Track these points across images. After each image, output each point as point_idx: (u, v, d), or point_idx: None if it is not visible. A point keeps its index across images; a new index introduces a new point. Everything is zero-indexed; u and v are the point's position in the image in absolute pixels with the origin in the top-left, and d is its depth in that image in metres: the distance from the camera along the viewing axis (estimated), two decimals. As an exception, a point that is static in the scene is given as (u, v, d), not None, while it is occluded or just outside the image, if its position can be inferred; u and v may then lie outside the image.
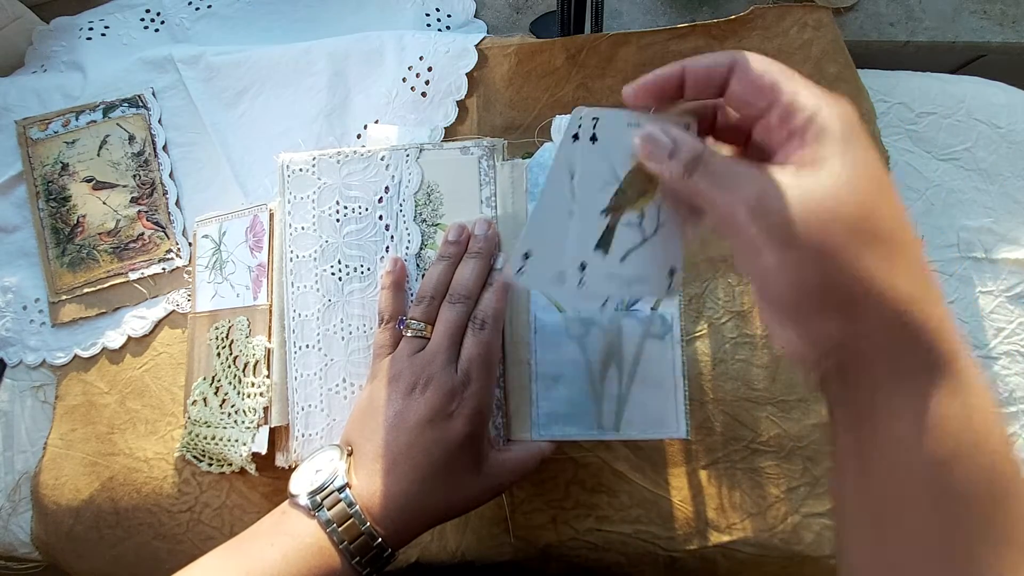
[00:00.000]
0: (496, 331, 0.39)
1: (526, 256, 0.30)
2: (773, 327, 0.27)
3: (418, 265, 0.44)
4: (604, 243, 0.30)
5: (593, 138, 0.29)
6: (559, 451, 0.47)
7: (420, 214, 0.44)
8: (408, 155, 0.44)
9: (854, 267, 0.23)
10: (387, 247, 0.44)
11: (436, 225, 0.44)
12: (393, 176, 0.44)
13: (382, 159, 0.45)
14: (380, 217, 0.44)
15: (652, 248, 0.30)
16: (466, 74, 0.53)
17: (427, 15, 0.61)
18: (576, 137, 0.29)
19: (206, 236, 0.51)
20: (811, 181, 0.24)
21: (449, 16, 0.61)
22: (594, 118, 0.29)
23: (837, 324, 0.24)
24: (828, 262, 0.24)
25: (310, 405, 0.44)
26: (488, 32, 0.60)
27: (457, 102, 0.53)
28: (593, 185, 0.30)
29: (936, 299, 0.24)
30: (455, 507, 0.38)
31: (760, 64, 0.27)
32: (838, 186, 0.24)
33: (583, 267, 0.30)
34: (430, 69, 0.54)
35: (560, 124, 0.44)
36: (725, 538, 0.45)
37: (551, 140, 0.44)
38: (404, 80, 0.54)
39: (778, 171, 0.25)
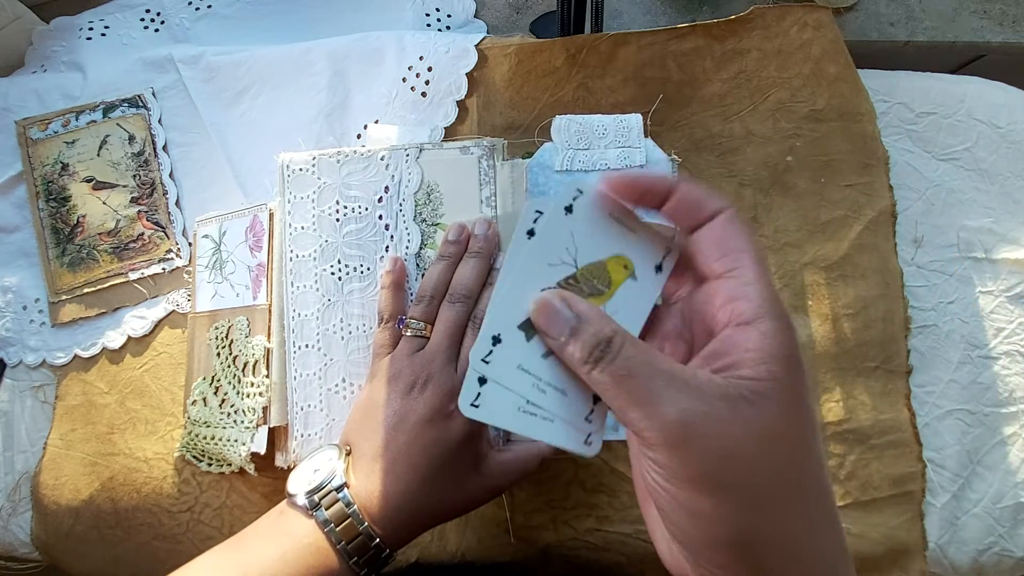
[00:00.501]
0: None
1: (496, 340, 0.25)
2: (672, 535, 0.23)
3: (418, 265, 0.44)
4: (531, 326, 0.25)
5: (569, 209, 0.26)
6: (559, 451, 0.47)
7: (420, 214, 0.44)
8: (408, 155, 0.44)
9: (781, 528, 0.21)
10: (387, 247, 0.44)
11: (436, 225, 0.44)
12: (393, 176, 0.44)
13: (382, 159, 0.45)
14: (380, 217, 0.44)
15: None
16: (466, 74, 0.53)
17: (427, 15, 0.61)
18: (568, 209, 0.26)
19: (206, 236, 0.52)
20: (748, 416, 0.20)
21: (449, 16, 0.61)
22: (578, 190, 0.26)
23: None
24: (752, 517, 0.20)
25: (309, 405, 0.44)
26: (488, 32, 0.60)
27: (457, 102, 0.53)
28: (546, 253, 0.25)
29: (848, 560, 0.22)
30: (454, 507, 0.38)
31: (742, 228, 0.24)
32: (775, 429, 0.21)
33: (496, 341, 0.25)
34: (430, 69, 0.54)
35: (560, 124, 0.44)
36: (725, 538, 0.45)
37: (551, 140, 0.44)
38: (404, 80, 0.54)
39: (710, 388, 0.21)
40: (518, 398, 0.25)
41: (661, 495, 0.22)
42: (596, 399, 0.26)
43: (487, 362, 0.25)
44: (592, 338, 0.23)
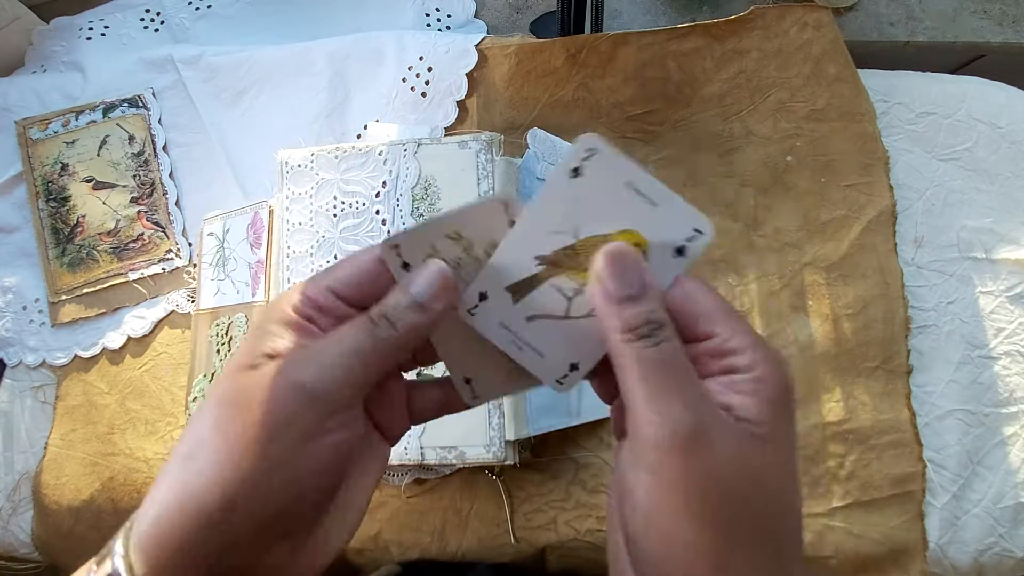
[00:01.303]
0: None
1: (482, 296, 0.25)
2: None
3: None
4: (519, 290, 0.24)
5: (576, 171, 0.23)
6: (560, 451, 0.47)
7: (417, 208, 0.44)
8: (406, 150, 0.44)
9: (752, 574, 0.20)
10: (384, 242, 0.44)
11: None
12: (391, 171, 0.44)
13: (380, 154, 0.45)
14: (377, 212, 0.44)
15: (568, 331, 0.25)
16: (466, 74, 0.53)
17: (427, 15, 0.61)
18: (575, 171, 0.23)
19: (211, 234, 0.52)
20: (751, 454, 0.20)
21: (449, 16, 0.61)
22: (589, 149, 0.23)
23: None
24: (731, 554, 0.20)
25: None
26: (488, 32, 0.60)
27: (457, 102, 0.53)
28: (547, 218, 0.24)
29: None
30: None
31: (699, 285, 0.23)
32: (770, 474, 0.20)
33: (483, 297, 0.25)
34: (430, 69, 0.54)
35: (536, 136, 0.44)
36: (725, 538, 0.45)
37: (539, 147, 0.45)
38: (404, 80, 0.54)
39: (725, 415, 0.20)
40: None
41: (638, 516, 0.20)
42: (572, 367, 0.25)
43: (472, 313, 0.25)
44: (648, 313, 0.21)
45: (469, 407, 0.26)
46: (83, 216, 0.56)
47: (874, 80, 0.53)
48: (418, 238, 0.24)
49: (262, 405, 0.22)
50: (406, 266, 0.24)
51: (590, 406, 0.46)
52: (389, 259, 0.24)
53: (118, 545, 0.22)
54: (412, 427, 0.27)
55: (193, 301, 0.53)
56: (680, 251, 0.23)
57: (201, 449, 0.22)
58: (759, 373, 0.21)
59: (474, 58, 0.53)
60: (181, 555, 0.21)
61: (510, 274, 0.24)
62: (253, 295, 0.47)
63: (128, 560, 0.21)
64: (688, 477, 0.19)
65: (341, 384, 0.23)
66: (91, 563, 0.22)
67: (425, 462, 0.43)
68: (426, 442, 0.43)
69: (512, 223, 0.24)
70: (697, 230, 0.23)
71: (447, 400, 0.27)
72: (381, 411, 0.26)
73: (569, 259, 0.24)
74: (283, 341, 0.23)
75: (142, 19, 0.64)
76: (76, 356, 0.54)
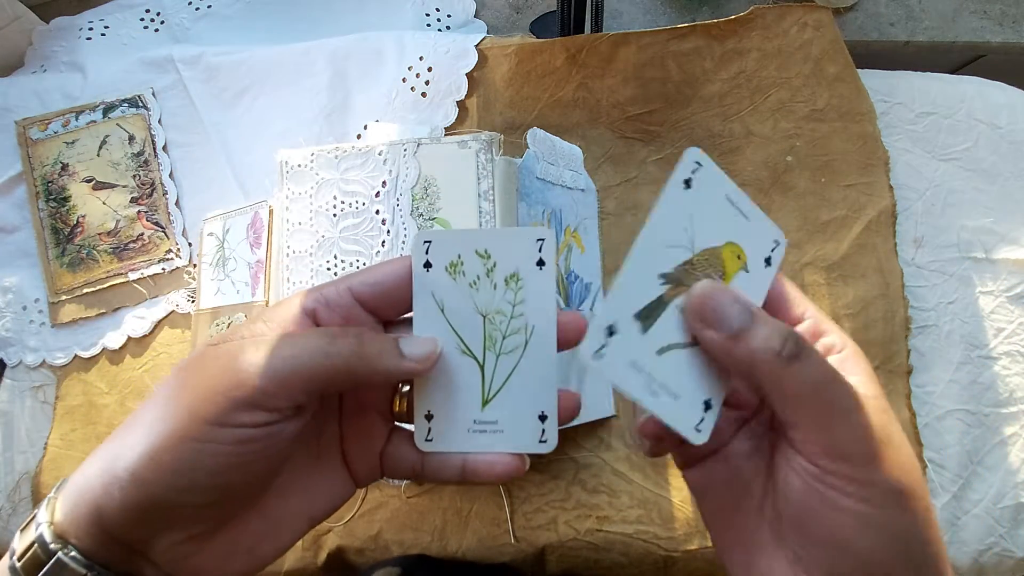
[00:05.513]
0: None
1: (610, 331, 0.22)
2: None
3: None
4: (647, 316, 0.22)
5: (687, 183, 0.23)
6: (560, 451, 0.47)
7: (417, 208, 0.44)
8: (406, 150, 0.44)
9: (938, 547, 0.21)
10: (383, 241, 0.44)
11: (433, 219, 0.44)
12: (391, 171, 0.44)
13: (380, 154, 0.45)
14: (377, 212, 0.44)
15: (695, 361, 0.23)
16: (466, 74, 0.53)
17: (427, 15, 0.61)
18: (687, 183, 0.23)
19: (211, 234, 0.52)
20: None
21: (449, 16, 0.61)
22: (697, 162, 0.23)
23: None
24: (929, 532, 0.21)
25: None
26: (488, 32, 0.60)
27: (457, 102, 0.53)
28: (666, 231, 0.23)
29: None
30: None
31: (784, 280, 0.25)
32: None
33: (611, 332, 0.22)
34: (430, 69, 0.54)
35: (536, 136, 0.44)
36: (725, 538, 0.45)
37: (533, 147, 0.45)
38: (404, 80, 0.54)
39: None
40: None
41: (834, 516, 0.20)
42: (706, 406, 0.23)
43: (601, 355, 0.21)
44: (782, 331, 0.20)
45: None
46: (83, 216, 0.56)
47: (874, 80, 0.53)
48: (450, 242, 0.25)
49: (191, 380, 0.21)
50: (428, 265, 0.25)
51: (590, 406, 0.45)
52: (415, 253, 0.25)
53: (42, 509, 0.22)
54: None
55: (193, 301, 0.53)
56: (768, 261, 0.25)
57: (135, 416, 0.22)
58: (849, 351, 0.23)
59: (474, 58, 0.53)
60: (89, 517, 0.21)
61: (638, 298, 0.22)
62: (253, 295, 0.47)
63: (52, 510, 0.21)
64: (892, 471, 0.20)
65: (270, 379, 0.21)
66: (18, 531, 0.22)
67: (425, 462, 0.43)
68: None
69: (541, 262, 0.24)
70: (776, 240, 0.25)
71: (421, 464, 0.25)
72: (353, 445, 0.25)
73: (687, 275, 0.23)
74: (264, 326, 0.23)
75: (142, 19, 0.64)
76: (76, 356, 0.54)
